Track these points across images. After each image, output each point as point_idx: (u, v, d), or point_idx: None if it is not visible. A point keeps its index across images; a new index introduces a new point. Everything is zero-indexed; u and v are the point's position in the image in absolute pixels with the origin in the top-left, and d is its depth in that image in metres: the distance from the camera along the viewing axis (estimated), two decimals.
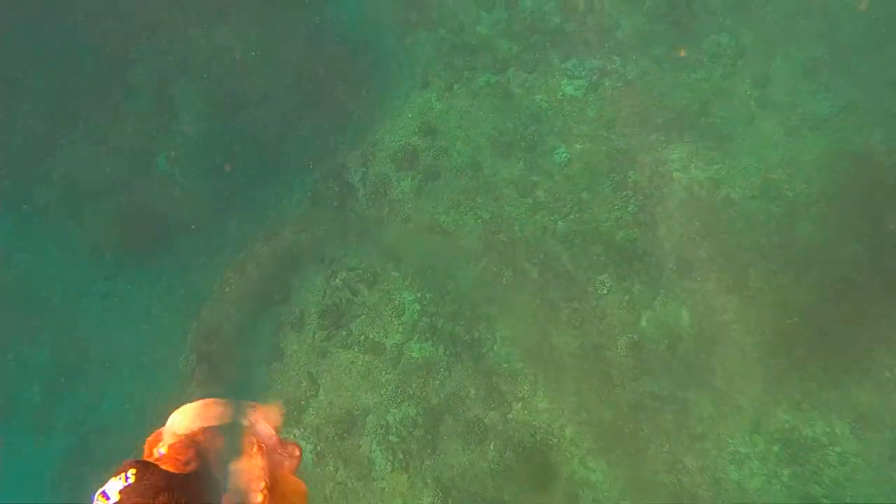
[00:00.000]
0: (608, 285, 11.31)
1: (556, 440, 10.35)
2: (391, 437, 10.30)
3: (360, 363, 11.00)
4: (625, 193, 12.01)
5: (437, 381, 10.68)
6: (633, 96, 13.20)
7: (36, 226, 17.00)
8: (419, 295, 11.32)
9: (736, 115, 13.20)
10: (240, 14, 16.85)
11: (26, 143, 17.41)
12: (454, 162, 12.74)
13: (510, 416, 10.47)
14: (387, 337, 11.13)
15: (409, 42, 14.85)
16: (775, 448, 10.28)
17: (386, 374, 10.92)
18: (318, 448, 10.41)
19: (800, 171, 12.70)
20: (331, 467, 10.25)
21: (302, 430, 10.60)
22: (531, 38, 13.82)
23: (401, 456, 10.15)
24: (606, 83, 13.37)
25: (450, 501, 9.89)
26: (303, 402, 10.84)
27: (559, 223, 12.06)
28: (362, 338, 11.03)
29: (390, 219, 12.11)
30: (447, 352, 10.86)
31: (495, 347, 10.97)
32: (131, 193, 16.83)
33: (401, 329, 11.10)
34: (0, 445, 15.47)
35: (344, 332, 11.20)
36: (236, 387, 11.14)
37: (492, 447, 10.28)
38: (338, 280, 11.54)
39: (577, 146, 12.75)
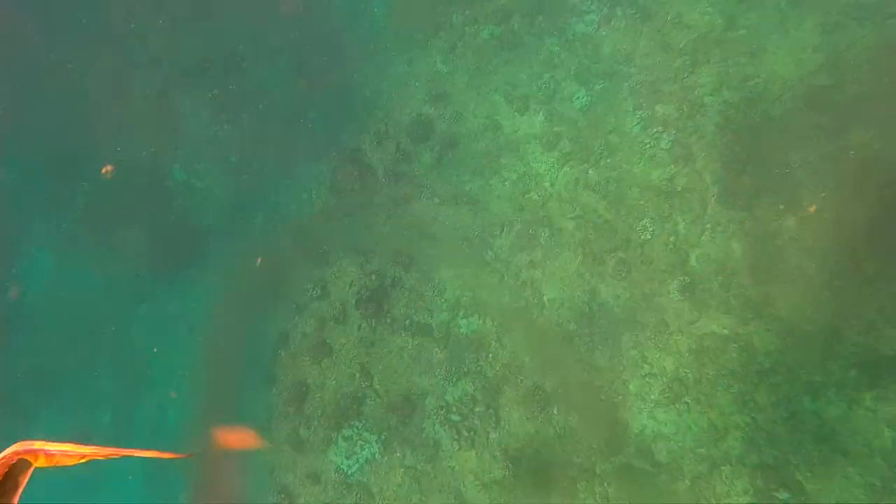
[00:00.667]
0: (651, 229, 10.83)
1: (620, 397, 10.16)
2: (452, 417, 10.27)
3: (409, 347, 10.92)
4: (655, 129, 11.33)
5: (490, 354, 10.54)
6: (649, 22, 12.27)
7: (72, 258, 17.28)
8: (458, 270, 11.05)
9: (766, 23, 12.16)
10: (221, 6, 16.29)
11: (43, 181, 17.53)
12: (471, 125, 12.22)
13: (569, 378, 10.26)
14: (432, 317, 10.98)
15: (401, 6, 14.08)
16: (852, 373, 9.84)
17: (438, 353, 10.83)
18: (383, 437, 10.48)
19: (847, 71, 11.68)
20: (398, 454, 10.33)
21: (363, 421, 10.66)
22: None
23: (465, 433, 10.13)
24: (619, 12, 12.47)
25: (521, 471, 9.86)
26: (359, 395, 10.88)
27: (590, 172, 11.51)
28: (407, 322, 10.92)
29: (415, 196, 11.78)
30: (495, 323, 10.64)
31: (544, 312, 10.72)
32: (154, 208, 16.85)
33: (444, 307, 10.94)
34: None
35: (388, 319, 11.09)
36: (289, 384, 11.24)
37: (556, 412, 10.17)
38: (373, 266, 11.34)
39: (597, 86, 12.03)
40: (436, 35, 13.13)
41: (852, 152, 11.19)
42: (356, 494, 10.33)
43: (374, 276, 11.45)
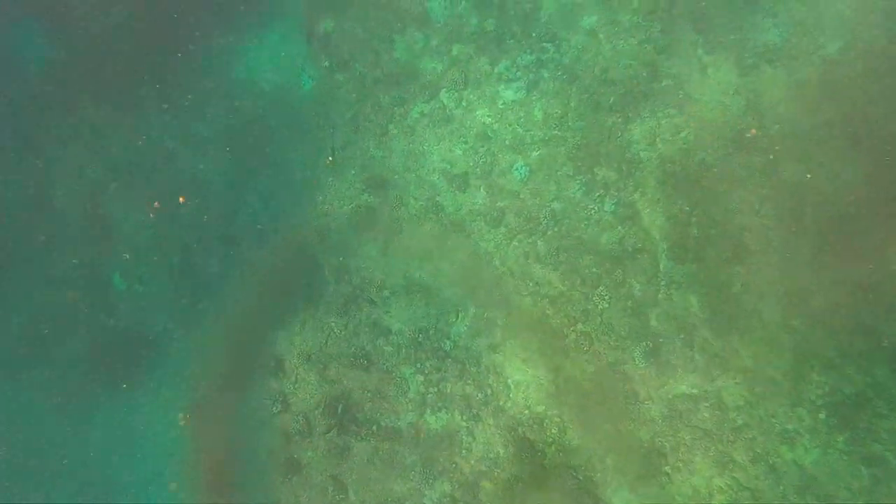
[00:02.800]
0: (607, 297, 10.93)
1: (599, 475, 10.08)
2: None
3: (380, 452, 10.68)
4: (598, 193, 11.51)
5: (464, 449, 10.34)
6: (576, 82, 12.49)
7: (16, 384, 16.39)
8: (418, 366, 10.88)
9: (687, 71, 12.51)
10: (149, 101, 15.91)
11: None
12: (413, 209, 12.21)
13: (546, 462, 10.14)
14: (398, 418, 10.74)
15: (328, 88, 13.99)
16: (821, 416, 10.01)
17: (409, 455, 10.58)
18: None
19: (768, 111, 12.07)
20: None
21: None
22: (453, 51, 13.03)
23: None
24: (545, 75, 12.71)
25: None
26: None
27: (539, 244, 11.58)
28: (374, 427, 10.67)
29: (363, 292, 11.54)
30: (464, 416, 10.48)
31: (511, 396, 10.65)
32: (96, 321, 16.17)
33: (410, 406, 10.73)
34: None
35: (354, 426, 10.82)
36: None
37: (536, 500, 9.97)
38: (331, 372, 11.06)
39: (534, 154, 12.19)
40: (366, 117, 13.05)
41: (786, 189, 11.52)
42: None
43: (334, 384, 11.16)
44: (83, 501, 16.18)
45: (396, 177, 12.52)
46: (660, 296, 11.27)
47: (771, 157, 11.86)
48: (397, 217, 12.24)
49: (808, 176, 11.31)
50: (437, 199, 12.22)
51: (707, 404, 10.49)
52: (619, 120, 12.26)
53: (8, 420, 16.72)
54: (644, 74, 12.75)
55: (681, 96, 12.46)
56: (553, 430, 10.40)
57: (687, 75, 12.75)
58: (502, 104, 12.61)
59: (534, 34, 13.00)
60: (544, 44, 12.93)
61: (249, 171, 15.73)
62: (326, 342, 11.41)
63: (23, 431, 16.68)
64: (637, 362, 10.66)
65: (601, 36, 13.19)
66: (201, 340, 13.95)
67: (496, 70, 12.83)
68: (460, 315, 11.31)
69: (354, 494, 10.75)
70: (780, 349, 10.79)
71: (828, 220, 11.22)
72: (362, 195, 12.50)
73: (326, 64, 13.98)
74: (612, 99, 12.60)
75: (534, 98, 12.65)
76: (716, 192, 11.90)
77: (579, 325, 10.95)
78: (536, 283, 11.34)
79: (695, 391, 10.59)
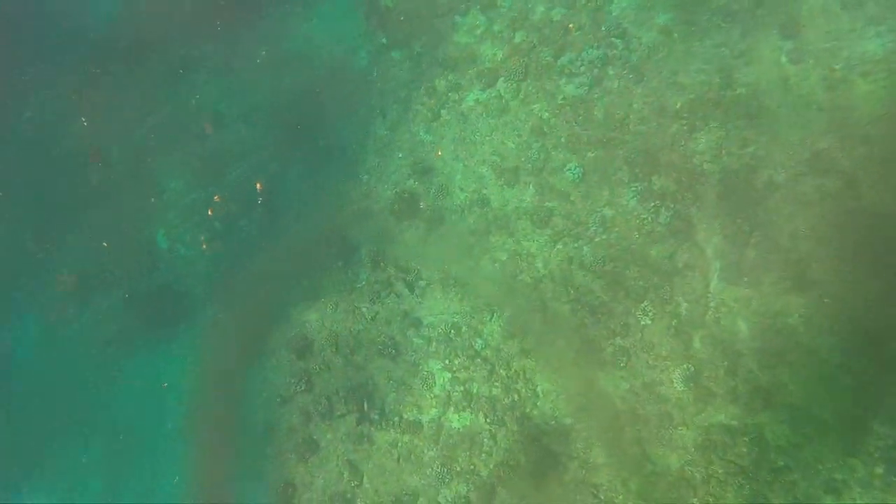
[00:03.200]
0: (651, 312, 10.41)
1: (621, 497, 9.68)
2: None
3: (400, 445, 10.52)
4: (653, 203, 10.87)
5: (484, 453, 10.12)
6: (642, 83, 11.82)
7: (59, 328, 16.99)
8: (447, 362, 10.69)
9: (766, 80, 11.71)
10: (201, 65, 15.96)
11: (27, 240, 17.23)
12: (457, 200, 11.89)
13: (566, 478, 9.81)
14: (421, 413, 10.61)
15: (383, 66, 13.68)
16: (878, 469, 9.28)
17: (428, 451, 10.43)
18: None
19: (854, 131, 11.07)
20: None
21: None
22: (515, 38, 12.50)
23: None
24: (611, 72, 12.07)
25: None
26: (349, 495, 10.50)
27: (585, 250, 11.10)
28: (396, 418, 10.50)
29: (400, 280, 11.32)
30: (488, 419, 10.22)
31: (539, 404, 10.33)
32: (139, 278, 16.52)
33: (434, 402, 10.58)
34: None
35: (376, 414, 10.67)
36: (278, 483, 10.84)
37: None
38: (359, 357, 10.93)
39: (590, 155, 11.63)
40: (419, 100, 12.70)
41: (862, 220, 10.62)
42: None
43: (360, 370, 11.04)
44: (112, 437, 16.69)
45: (444, 164, 12.18)
46: (707, 317, 10.65)
47: (850, 182, 10.95)
48: (440, 207, 11.93)
49: (892, 207, 10.39)
50: (484, 191, 11.83)
51: (746, 439, 9.90)
52: (685, 127, 11.53)
53: (51, 358, 17.40)
54: (717, 80, 11.94)
55: (755, 107, 11.63)
56: (578, 445, 10.03)
57: (765, 85, 11.88)
58: (562, 99, 12.04)
59: (603, 28, 12.32)
60: (613, 39, 12.24)
61: (297, 142, 15.66)
62: (356, 327, 11.28)
63: (64, 369, 17.31)
64: (675, 385, 10.14)
65: (675, 35, 12.40)
66: (235, 309, 14.08)
67: (559, 62, 12.24)
68: (495, 315, 10.98)
69: (369, 482, 10.68)
70: (838, 392, 10.05)
71: None
72: (407, 180, 12.23)
73: (384, 41, 13.67)
74: (679, 104, 11.86)
75: (596, 96, 12.03)
76: (781, 215, 11.11)
77: (618, 340, 10.46)
78: (578, 290, 10.88)
79: (734, 423, 10.01)
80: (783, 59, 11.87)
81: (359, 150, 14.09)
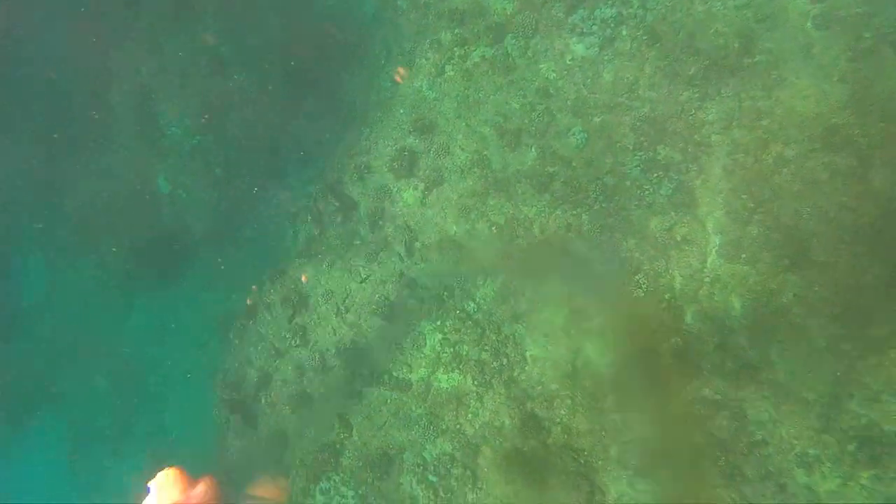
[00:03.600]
0: (644, 285, 10.32)
1: (601, 462, 10.03)
2: (430, 477, 10.24)
3: (388, 401, 10.83)
4: (656, 174, 10.65)
5: (470, 413, 10.39)
6: (656, 45, 11.33)
7: (63, 268, 17.33)
8: (438, 323, 10.86)
9: (788, 47, 11.19)
10: (204, 7, 15.44)
11: (31, 183, 17.34)
12: (458, 160, 11.67)
13: (549, 441, 10.10)
14: (411, 372, 10.84)
15: (389, 14, 13.17)
16: (850, 447, 9.49)
17: (416, 409, 10.71)
18: (360, 492, 10.54)
19: (875, 105, 10.64)
20: None
21: (341, 475, 10.72)
22: None
23: (442, 494, 10.13)
24: (624, 33, 11.57)
25: None
26: (338, 446, 10.91)
27: (584, 217, 10.98)
28: (386, 376, 10.75)
29: (396, 239, 11.32)
30: (475, 381, 10.46)
31: (526, 369, 10.48)
32: (141, 219, 16.66)
33: (424, 362, 10.78)
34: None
35: (367, 371, 10.94)
36: (271, 434, 11.28)
37: (534, 476, 10.00)
38: (350, 315, 11.09)
39: (595, 120, 11.31)
40: (423, 54, 12.28)
41: (871, 200, 10.35)
42: None
43: (353, 325, 11.23)
44: (117, 380, 17.34)
45: (446, 122, 11.92)
46: (701, 293, 10.63)
47: (864, 160, 10.60)
48: (440, 166, 11.76)
49: None
50: (485, 153, 11.62)
51: (727, 413, 10.08)
52: (696, 96, 11.12)
53: (60, 298, 17.85)
54: (735, 46, 11.41)
55: (773, 77, 11.15)
56: (562, 411, 10.27)
57: (786, 53, 11.34)
58: (570, 60, 11.59)
59: None
60: None
61: (298, 90, 15.34)
62: (351, 286, 11.39)
63: (72, 308, 17.77)
64: (663, 356, 10.24)
65: None
66: (233, 257, 14.27)
67: (570, 20, 11.71)
68: (489, 279, 11.03)
69: (358, 435, 11.09)
70: (822, 372, 10.13)
71: None
72: (408, 137, 12.01)
73: None
74: (692, 70, 11.39)
75: (606, 57, 11.56)
76: (788, 192, 10.85)
77: (609, 309, 10.50)
78: (573, 257, 10.85)
79: (717, 397, 10.16)
80: (808, 24, 11.25)
81: (362, 101, 13.80)
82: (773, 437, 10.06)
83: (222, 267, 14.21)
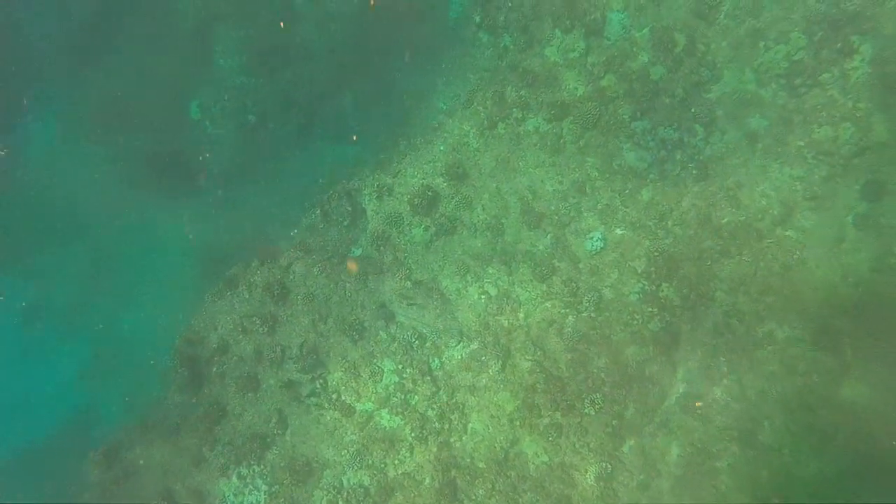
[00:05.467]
0: (599, 405, 10.76)
1: None
2: (340, 502, 10.71)
3: (329, 418, 11.21)
4: (650, 309, 10.85)
5: (398, 459, 10.88)
6: (701, 183, 11.40)
7: (72, 147, 17.15)
8: (400, 367, 11.24)
9: (821, 233, 11.32)
10: None
11: (67, 46, 16.92)
12: (475, 218, 11.88)
13: None
14: (359, 401, 11.27)
15: (467, 40, 12.90)
16: None
17: (351, 435, 11.14)
18: (273, 490, 11.10)
19: (874, 322, 10.92)
20: None
21: (262, 467, 11.22)
22: (603, 81, 11.79)
23: None
24: (677, 158, 11.49)
25: None
26: (269, 440, 11.36)
27: (569, 319, 11.31)
28: (335, 395, 11.14)
29: (390, 269, 11.51)
30: (414, 432, 10.91)
31: (463, 439, 10.98)
32: (161, 133, 16.49)
33: (373, 397, 11.19)
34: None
35: (320, 382, 11.32)
36: (210, 401, 11.65)
37: None
38: (325, 326, 11.37)
39: (617, 232, 11.50)
40: (483, 102, 12.13)
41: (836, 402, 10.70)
42: None
43: (321, 336, 11.50)
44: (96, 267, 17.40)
45: (478, 177, 11.96)
46: (646, 430, 11.10)
47: (842, 369, 10.87)
48: (457, 217, 11.89)
49: (867, 402, 10.44)
50: (503, 221, 11.72)
51: None
52: (717, 248, 11.30)
53: (60, 172, 17.74)
54: (775, 212, 11.51)
55: (796, 257, 11.26)
56: (481, 491, 10.87)
57: (817, 238, 11.41)
58: (617, 165, 11.60)
59: (692, 109, 11.61)
60: (696, 126, 11.57)
61: (358, 68, 15.07)
62: (333, 297, 11.60)
63: (69, 185, 17.68)
64: (588, 477, 10.78)
65: (759, 146, 11.74)
66: (230, 215, 14.29)
67: (632, 125, 11.64)
68: (462, 344, 11.30)
69: (290, 436, 11.58)
70: None
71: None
72: (437, 177, 12.07)
73: (477, 19, 12.79)
74: (725, 220, 11.49)
75: (651, 177, 11.57)
76: (763, 370, 11.16)
77: (558, 415, 10.98)
78: (545, 353, 11.22)
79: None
80: (849, 219, 11.32)
81: (411, 111, 13.62)
82: None
83: (220, 221, 14.24)
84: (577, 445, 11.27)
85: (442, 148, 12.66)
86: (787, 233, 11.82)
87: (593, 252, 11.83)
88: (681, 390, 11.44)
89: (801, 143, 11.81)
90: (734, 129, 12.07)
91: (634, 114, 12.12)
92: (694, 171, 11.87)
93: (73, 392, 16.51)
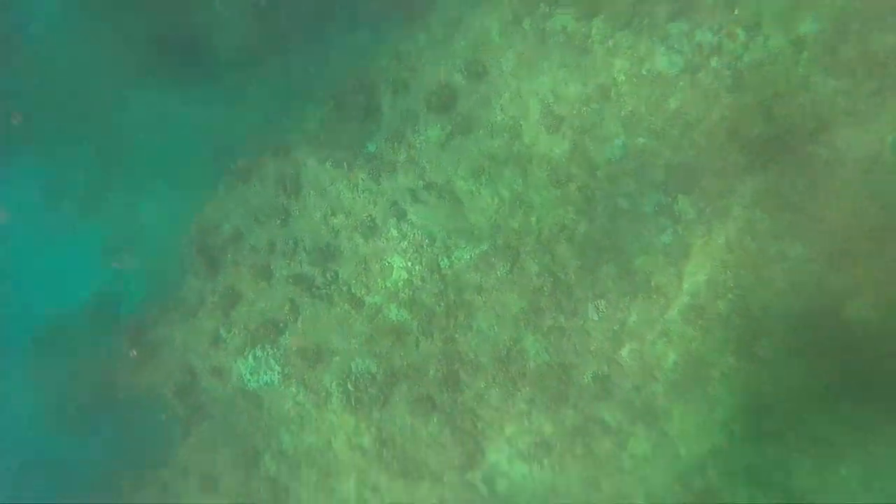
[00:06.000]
0: (602, 310, 11.03)
1: (495, 434, 11.33)
2: (349, 385, 11.46)
3: (338, 309, 11.67)
4: (663, 221, 10.76)
5: (404, 350, 11.40)
6: (735, 93, 10.79)
7: (79, 21, 16.59)
8: (409, 264, 11.41)
9: (860, 151, 10.66)
10: None
11: None
12: (493, 118, 11.58)
13: (460, 400, 11.32)
14: (368, 294, 11.65)
15: None
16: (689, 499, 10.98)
17: (360, 326, 11.66)
18: (286, 371, 11.79)
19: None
20: (293, 390, 11.88)
21: (276, 350, 11.87)
22: None
23: (353, 402, 11.44)
24: (713, 64, 10.93)
25: (384, 452, 11.40)
26: (282, 325, 11.93)
27: (581, 226, 11.27)
28: (345, 288, 11.51)
29: (404, 167, 11.40)
30: (420, 326, 11.35)
31: (468, 336, 11.44)
32: (170, 14, 15.83)
33: (383, 291, 11.52)
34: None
35: (330, 275, 11.66)
36: (225, 289, 12.14)
37: (434, 420, 11.47)
38: (336, 221, 11.52)
39: (640, 141, 11.20)
40: None
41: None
42: (249, 402, 12.02)
43: (333, 231, 11.67)
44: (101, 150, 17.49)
45: (499, 76, 11.45)
46: (646, 337, 11.38)
47: (855, 289, 10.86)
48: (475, 117, 11.54)
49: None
50: (521, 123, 11.36)
51: (615, 439, 11.36)
52: (743, 162, 10.96)
53: (62, 42, 17.30)
54: (811, 125, 10.90)
55: (822, 172, 10.86)
56: (482, 383, 11.40)
57: (858, 159, 10.94)
58: (646, 70, 10.96)
59: (735, 11, 10.67)
60: (738, 29, 10.72)
61: None
62: (345, 192, 11.61)
63: (70, 58, 17.32)
64: (585, 377, 11.19)
65: (805, 54, 10.90)
66: (237, 106, 13.93)
67: (667, 26, 10.88)
68: (471, 245, 11.42)
69: (301, 324, 12.17)
70: (707, 439, 11.31)
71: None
72: (456, 74, 11.54)
73: None
74: (755, 133, 10.98)
75: (682, 83, 10.97)
76: (770, 287, 11.21)
77: (561, 318, 11.31)
78: (554, 259, 11.35)
79: (613, 424, 11.37)
80: (889, 139, 10.74)
81: (428, 8, 12.81)
82: (638, 470, 11.51)
83: (230, 109, 13.94)
84: (577, 347, 11.73)
85: (463, 43, 12.02)
86: (819, 150, 11.36)
87: (613, 159, 11.55)
88: (685, 301, 11.64)
89: (853, 54, 11.00)
90: (780, 34, 11.22)
91: (671, 15, 11.31)
92: (729, 80, 11.20)
93: (100, 271, 17.24)
